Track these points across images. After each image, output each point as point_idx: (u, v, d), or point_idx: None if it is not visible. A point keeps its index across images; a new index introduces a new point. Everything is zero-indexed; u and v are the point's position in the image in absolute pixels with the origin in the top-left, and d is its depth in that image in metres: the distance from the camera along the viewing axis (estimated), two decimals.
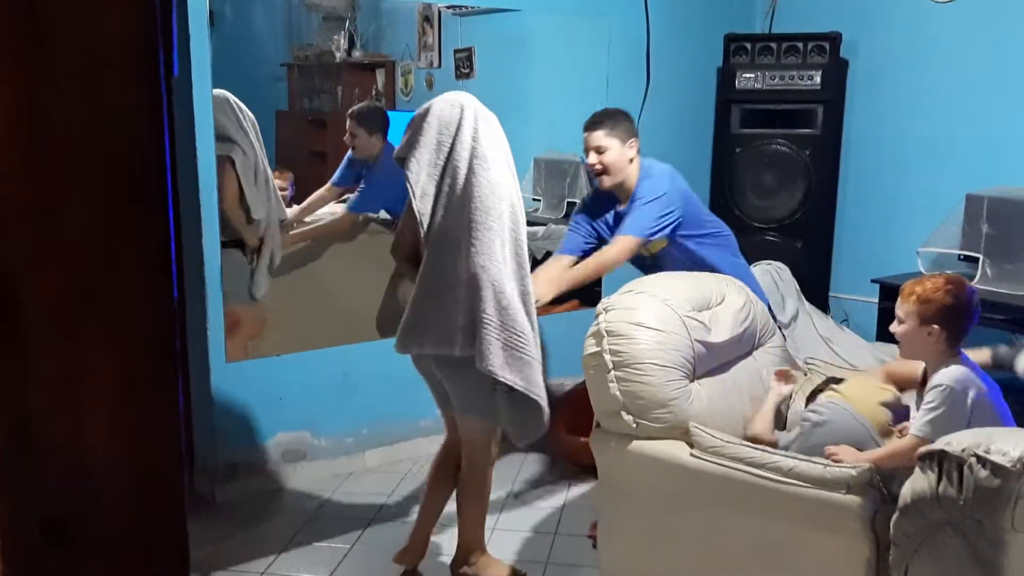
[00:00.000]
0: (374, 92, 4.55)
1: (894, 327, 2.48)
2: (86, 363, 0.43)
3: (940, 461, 1.93)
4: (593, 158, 3.16)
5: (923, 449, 2.00)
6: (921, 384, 2.49)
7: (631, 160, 3.18)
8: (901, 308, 2.44)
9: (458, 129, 2.59)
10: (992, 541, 1.84)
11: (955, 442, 1.94)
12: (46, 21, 0.43)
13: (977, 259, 3.65)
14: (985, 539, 1.86)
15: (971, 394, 2.25)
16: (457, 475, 2.91)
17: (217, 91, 3.45)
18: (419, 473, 3.84)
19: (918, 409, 2.38)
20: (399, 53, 4.48)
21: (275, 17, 4.03)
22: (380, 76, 4.59)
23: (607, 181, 3.18)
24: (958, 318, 2.36)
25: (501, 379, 2.61)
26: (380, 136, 4.11)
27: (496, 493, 3.60)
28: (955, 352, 2.38)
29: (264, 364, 3.64)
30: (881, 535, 2.17)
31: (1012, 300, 3.56)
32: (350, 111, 4.09)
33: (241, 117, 3.55)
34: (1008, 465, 1.81)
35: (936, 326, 2.34)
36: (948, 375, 2.29)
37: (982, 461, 1.86)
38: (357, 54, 4.39)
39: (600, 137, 3.14)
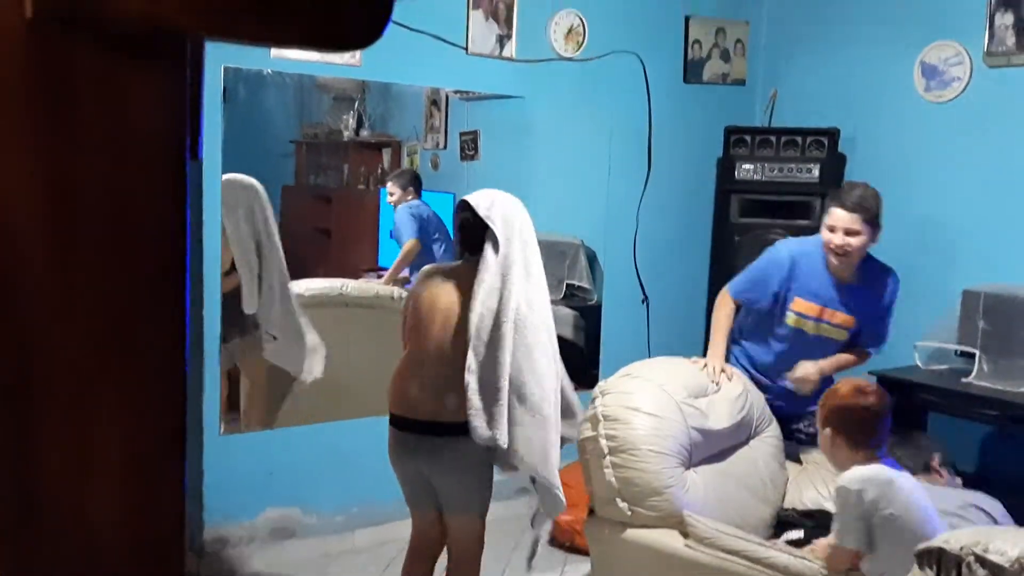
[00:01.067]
0: (379, 171, 4.63)
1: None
2: (96, 440, 0.44)
3: (939, 559, 1.91)
4: (841, 239, 3.06)
5: (922, 546, 1.98)
6: None
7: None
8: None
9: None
10: None
11: (953, 540, 1.92)
12: (77, 102, 0.44)
13: (974, 354, 3.65)
14: None
15: (869, 495, 2.10)
16: (434, 567, 2.85)
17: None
18: None
19: None
20: (406, 134, 4.56)
21: (287, 96, 4.12)
22: (386, 155, 4.67)
23: (843, 265, 3.13)
24: (850, 421, 2.35)
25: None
26: (412, 191, 4.29)
27: None
28: (868, 457, 2.32)
29: (256, 438, 3.62)
30: None
31: (1008, 396, 3.55)
32: (389, 175, 4.36)
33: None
34: (1006, 565, 1.79)
35: (829, 429, 2.38)
36: (846, 476, 2.19)
37: (980, 560, 1.83)
38: (365, 133, 4.48)
39: (856, 221, 3.05)
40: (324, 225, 4.50)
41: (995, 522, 2.45)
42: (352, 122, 4.43)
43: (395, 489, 3.91)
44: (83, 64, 0.43)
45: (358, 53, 3.46)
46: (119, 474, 0.43)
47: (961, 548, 1.88)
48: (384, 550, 3.80)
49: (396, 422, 2.73)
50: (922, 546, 2.00)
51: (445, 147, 4.56)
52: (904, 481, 2.20)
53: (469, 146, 4.56)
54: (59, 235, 0.43)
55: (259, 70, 3.52)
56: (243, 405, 3.79)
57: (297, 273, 3.92)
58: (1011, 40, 3.79)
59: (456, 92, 4.30)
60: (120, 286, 0.43)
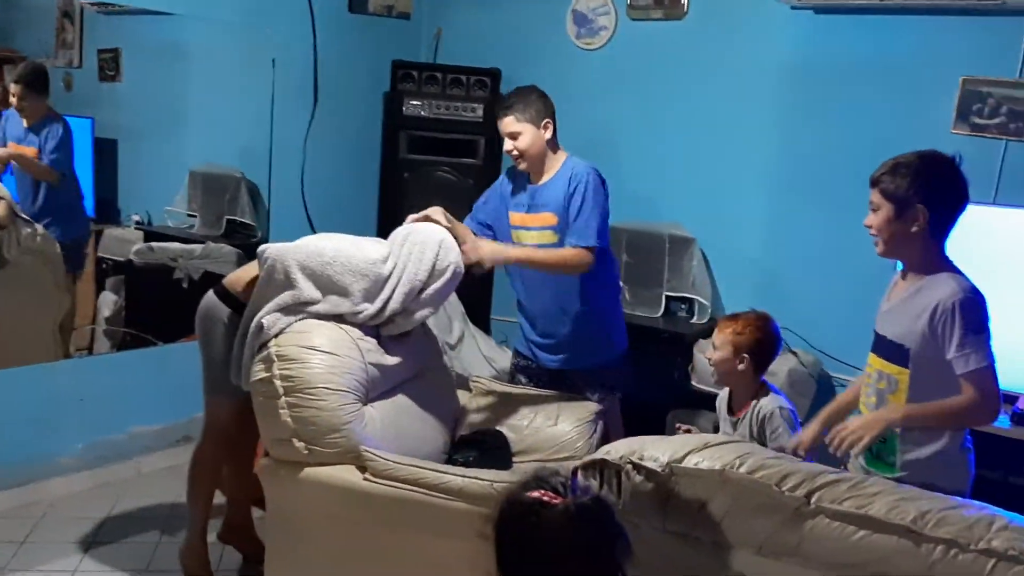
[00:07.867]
0: (1, 91, 4.05)
1: (709, 353, 2.76)
2: None
3: (601, 470, 2.07)
4: (509, 144, 3.10)
5: (586, 459, 2.13)
6: (728, 409, 2.78)
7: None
8: (717, 338, 2.72)
9: None
10: (648, 542, 2.00)
11: (613, 451, 2.09)
12: None
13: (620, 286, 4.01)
14: (642, 541, 2.02)
15: (788, 411, 2.67)
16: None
17: None
18: (56, 517, 3.42)
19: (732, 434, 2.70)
20: (32, 49, 4.03)
21: None
22: (8, 73, 4.10)
23: (530, 168, 3.15)
24: (765, 350, 2.69)
25: None
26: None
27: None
28: (761, 381, 2.72)
29: None
30: None
31: (647, 322, 3.98)
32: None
33: None
34: (659, 470, 1.98)
35: (747, 355, 2.65)
36: (772, 405, 2.64)
37: (637, 467, 2.01)
38: None
39: (512, 123, 3.07)
40: None
41: None
42: None
43: (40, 446, 3.52)
44: None
45: None
46: None
47: (620, 457, 2.06)
48: (27, 513, 3.44)
49: None
50: (586, 459, 2.16)
51: (80, 65, 4.09)
52: None
53: (109, 65, 4.14)
54: None
55: None
56: None
57: None
58: None
59: (93, 4, 3.85)
60: None
